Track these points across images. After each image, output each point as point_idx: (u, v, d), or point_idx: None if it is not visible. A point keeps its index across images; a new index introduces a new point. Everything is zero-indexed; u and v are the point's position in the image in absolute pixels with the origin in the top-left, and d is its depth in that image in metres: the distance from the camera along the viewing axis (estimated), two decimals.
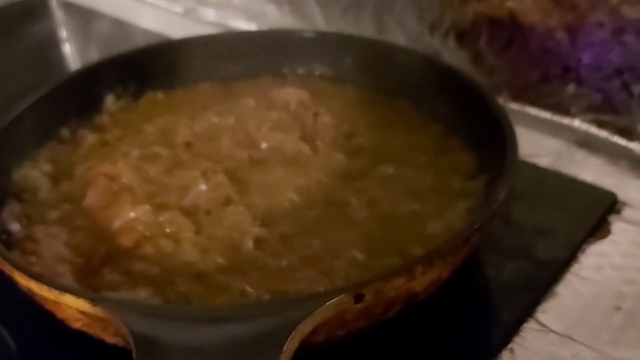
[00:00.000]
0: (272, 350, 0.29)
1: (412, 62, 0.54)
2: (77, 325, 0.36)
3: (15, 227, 0.44)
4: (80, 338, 0.38)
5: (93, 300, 0.33)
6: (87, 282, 0.39)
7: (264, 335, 0.30)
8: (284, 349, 0.29)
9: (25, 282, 0.35)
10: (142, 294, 0.38)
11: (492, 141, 0.45)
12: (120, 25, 0.79)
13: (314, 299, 0.32)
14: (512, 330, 0.41)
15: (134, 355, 0.29)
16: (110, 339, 0.36)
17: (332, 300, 0.32)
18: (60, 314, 0.36)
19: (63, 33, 0.83)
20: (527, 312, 0.42)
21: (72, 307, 0.34)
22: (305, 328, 0.31)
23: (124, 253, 0.41)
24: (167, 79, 0.57)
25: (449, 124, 0.51)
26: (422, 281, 0.35)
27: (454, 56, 0.61)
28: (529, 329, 0.41)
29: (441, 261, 0.36)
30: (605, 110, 0.56)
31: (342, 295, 0.32)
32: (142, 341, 0.30)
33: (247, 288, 0.38)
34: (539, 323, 0.42)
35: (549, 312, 0.42)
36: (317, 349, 0.35)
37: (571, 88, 0.57)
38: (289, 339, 0.29)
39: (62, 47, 0.83)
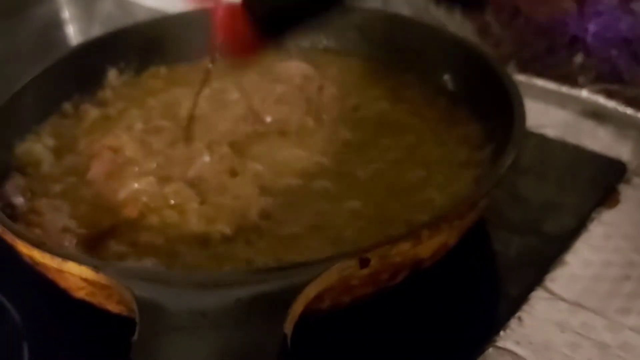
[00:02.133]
0: (277, 312, 0.28)
1: (418, 33, 0.54)
2: (80, 294, 0.36)
3: (19, 200, 0.43)
4: (83, 308, 0.37)
5: (96, 267, 0.32)
6: (92, 253, 0.39)
7: (269, 298, 0.29)
8: (289, 311, 0.28)
9: (28, 250, 0.35)
10: (148, 264, 0.38)
11: (500, 111, 0.45)
12: (123, 5, 0.79)
13: (319, 263, 0.32)
14: (521, 298, 0.41)
15: (137, 319, 0.29)
16: (113, 307, 0.35)
17: (337, 264, 0.32)
18: (63, 283, 0.36)
19: (66, 13, 0.83)
20: (535, 280, 0.42)
21: (75, 274, 0.33)
22: (310, 292, 0.31)
23: (129, 224, 0.41)
24: (170, 53, 0.57)
25: (456, 95, 0.51)
26: (428, 246, 0.35)
27: (459, 28, 0.60)
28: (537, 298, 0.41)
29: (447, 226, 0.35)
30: (614, 80, 0.55)
31: (347, 259, 0.32)
32: (145, 306, 0.29)
33: (253, 257, 0.38)
34: (548, 291, 0.41)
35: (558, 281, 0.42)
36: (323, 315, 0.35)
37: (579, 58, 0.57)
38: (294, 302, 0.29)
39: (65, 28, 0.83)
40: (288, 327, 0.28)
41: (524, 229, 0.46)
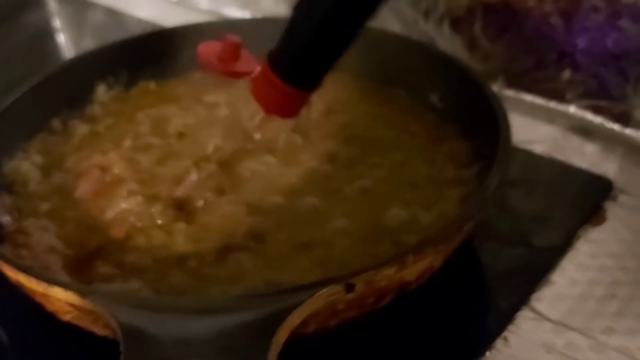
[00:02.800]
0: (261, 341, 0.28)
1: (406, 49, 0.54)
2: (67, 317, 0.36)
3: (6, 220, 0.43)
4: (72, 330, 0.37)
5: (81, 293, 0.32)
6: (79, 274, 0.39)
7: (253, 326, 0.29)
8: (273, 339, 0.28)
9: (14, 274, 0.35)
10: (135, 286, 0.38)
11: (486, 129, 0.45)
12: (114, 15, 0.79)
13: (303, 289, 0.32)
14: (507, 318, 0.41)
15: (121, 347, 0.29)
16: (100, 331, 0.35)
17: (322, 291, 0.32)
18: (49, 307, 0.36)
19: (57, 23, 0.83)
20: (521, 300, 0.42)
21: (61, 299, 0.34)
22: (295, 319, 0.31)
23: (116, 245, 0.41)
24: (160, 68, 0.57)
25: (444, 112, 0.51)
26: (413, 270, 0.35)
27: (448, 43, 0.60)
28: (523, 317, 0.41)
29: (433, 250, 0.35)
30: (601, 96, 0.56)
31: (333, 286, 0.32)
32: (130, 333, 0.29)
33: (241, 278, 0.38)
34: (534, 311, 0.41)
35: (544, 300, 0.42)
36: (309, 340, 0.35)
37: (567, 74, 0.57)
38: (279, 330, 0.29)
39: (57, 37, 0.83)
40: (272, 356, 0.28)
41: (511, 242, 0.46)
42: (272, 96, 0.39)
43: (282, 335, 0.29)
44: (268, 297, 0.32)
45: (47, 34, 0.82)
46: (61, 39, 0.82)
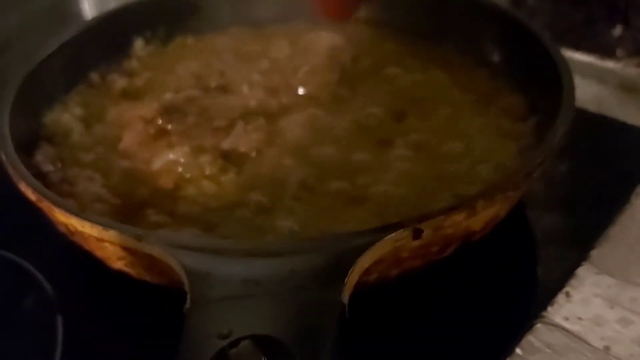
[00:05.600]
0: (334, 283, 0.27)
1: (454, 2, 0.52)
2: (118, 264, 0.35)
3: (50, 169, 0.42)
4: (117, 280, 0.36)
5: (139, 236, 0.31)
6: (129, 223, 0.38)
7: (325, 268, 0.28)
8: (346, 280, 0.27)
9: (65, 218, 0.33)
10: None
11: (543, 81, 0.43)
12: None
13: (373, 232, 0.30)
14: (567, 274, 0.39)
15: (187, 288, 0.28)
16: (153, 278, 0.34)
17: (391, 234, 0.30)
18: (100, 253, 0.35)
19: None
20: (582, 256, 0.40)
21: (115, 244, 0.32)
22: (364, 262, 0.29)
23: (165, 195, 0.40)
24: (197, 23, 0.55)
25: (496, 66, 0.49)
26: (481, 218, 0.34)
27: None
28: (584, 273, 0.40)
29: (502, 197, 0.34)
30: None
31: (401, 230, 0.31)
32: (196, 275, 0.28)
33: (295, 227, 0.37)
34: (595, 266, 0.40)
35: (605, 255, 0.41)
36: (369, 290, 0.34)
37: (617, 30, 0.55)
38: (350, 271, 0.28)
39: (80, 2, 0.81)
40: (345, 297, 0.27)
41: (566, 204, 0.44)
42: None
43: (353, 277, 0.28)
44: (338, 239, 0.30)
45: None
46: (85, 4, 0.80)
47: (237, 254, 0.29)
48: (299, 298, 0.26)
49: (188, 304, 0.27)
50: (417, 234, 0.31)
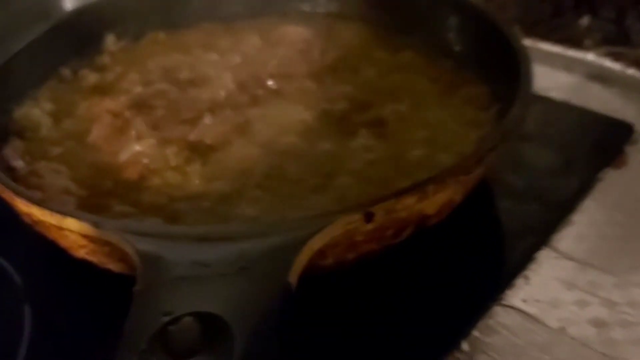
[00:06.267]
0: (280, 264, 0.28)
1: None
2: (80, 253, 0.35)
3: (18, 163, 0.43)
4: (84, 269, 0.37)
5: (96, 223, 0.32)
6: (93, 213, 0.38)
7: (273, 250, 0.29)
8: (294, 261, 0.28)
9: (27, 208, 0.34)
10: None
11: (506, 71, 0.44)
12: None
13: (323, 216, 0.31)
14: (527, 258, 0.40)
15: (138, 271, 0.28)
16: (114, 266, 0.35)
17: (342, 218, 0.31)
18: (63, 242, 0.35)
19: None
20: (542, 240, 0.41)
21: (74, 231, 0.33)
22: (314, 244, 0.30)
23: (131, 186, 0.41)
24: (168, 19, 0.56)
25: (460, 58, 0.50)
26: (433, 202, 0.34)
27: None
28: (544, 257, 0.40)
29: (453, 180, 0.34)
30: (620, 42, 0.55)
31: (352, 213, 0.31)
32: (147, 258, 0.29)
33: (257, 215, 0.37)
34: (555, 250, 0.41)
35: (565, 240, 0.41)
36: (327, 274, 0.34)
37: (585, 20, 0.56)
38: (299, 253, 0.29)
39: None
40: (292, 277, 0.28)
41: (529, 191, 0.45)
42: None
43: (302, 259, 0.29)
44: (288, 223, 0.31)
45: None
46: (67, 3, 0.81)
47: (187, 239, 0.29)
48: (244, 278, 0.27)
49: (138, 286, 0.27)
50: (368, 217, 0.32)
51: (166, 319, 0.25)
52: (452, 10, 0.51)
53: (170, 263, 0.28)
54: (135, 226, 0.32)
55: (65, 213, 0.33)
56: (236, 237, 0.30)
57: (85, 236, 0.33)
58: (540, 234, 0.42)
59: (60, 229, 0.34)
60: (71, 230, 0.33)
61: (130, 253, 0.30)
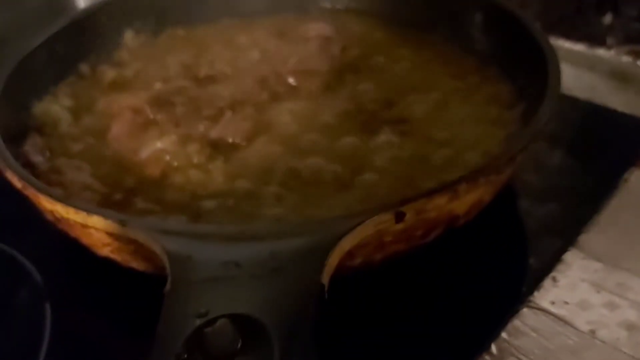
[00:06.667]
0: (313, 264, 0.27)
1: None
2: (104, 251, 0.35)
3: (38, 159, 0.42)
4: (104, 267, 0.37)
5: (122, 221, 0.31)
6: (116, 211, 0.38)
7: (306, 250, 0.28)
8: (326, 262, 0.27)
9: (51, 205, 0.33)
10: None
11: (531, 69, 0.43)
12: None
13: (354, 216, 0.31)
14: (554, 259, 0.40)
15: (168, 271, 0.28)
16: (138, 264, 0.34)
17: (373, 218, 0.30)
18: (86, 240, 0.35)
19: None
20: (569, 241, 0.41)
21: (100, 229, 0.32)
22: (346, 244, 0.29)
23: (153, 183, 0.40)
24: (187, 15, 0.56)
25: (485, 55, 0.49)
26: (464, 202, 0.34)
27: None
28: (572, 258, 0.40)
29: (485, 180, 0.34)
30: None
31: (384, 213, 0.31)
32: (177, 259, 0.28)
33: (281, 214, 0.37)
34: (583, 251, 0.40)
35: (592, 241, 0.41)
36: (354, 273, 0.34)
37: (607, 18, 0.55)
38: (330, 254, 0.28)
39: None
40: (325, 278, 0.27)
41: (552, 191, 0.45)
42: None
43: (333, 260, 0.28)
44: (319, 224, 0.30)
45: None
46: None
47: (217, 238, 0.29)
48: (278, 279, 0.26)
49: (168, 286, 0.27)
50: (399, 217, 0.31)
51: (201, 321, 0.24)
52: (475, 6, 0.50)
53: (200, 263, 0.28)
54: (163, 225, 0.31)
55: (90, 211, 0.32)
56: (267, 237, 0.29)
57: (110, 234, 0.32)
58: (566, 235, 0.41)
59: (85, 226, 0.33)
60: (96, 228, 0.33)
61: (158, 252, 0.30)
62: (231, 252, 0.28)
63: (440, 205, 0.33)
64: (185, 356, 0.23)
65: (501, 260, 0.40)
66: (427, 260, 0.37)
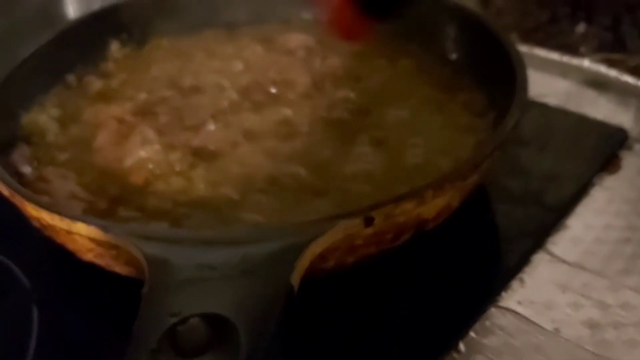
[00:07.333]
0: (283, 267, 0.29)
1: (421, 3, 0.54)
2: (88, 256, 0.36)
3: (26, 169, 0.44)
4: (91, 272, 0.38)
5: (104, 227, 0.33)
6: (100, 218, 0.39)
7: (276, 254, 0.30)
8: (296, 265, 0.29)
9: (36, 212, 0.35)
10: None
11: (502, 79, 0.45)
12: None
13: (324, 221, 0.32)
14: (522, 261, 0.41)
15: (146, 274, 0.29)
16: (121, 269, 0.36)
17: (342, 223, 0.32)
18: (71, 245, 0.36)
19: None
20: (537, 244, 0.42)
21: (83, 235, 0.34)
22: (316, 248, 0.31)
23: (136, 191, 0.42)
24: (172, 26, 0.57)
25: (458, 65, 0.51)
26: (432, 207, 0.35)
27: None
28: (539, 259, 0.41)
29: (450, 186, 0.35)
30: (616, 49, 0.56)
31: (353, 218, 0.32)
32: (154, 262, 0.30)
33: (261, 220, 0.38)
34: (550, 254, 0.42)
35: (559, 244, 0.42)
36: (327, 276, 0.36)
37: (581, 27, 0.57)
38: (301, 257, 0.30)
39: (64, 3, 0.82)
40: (295, 280, 0.29)
41: (526, 195, 0.46)
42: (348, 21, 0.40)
43: (304, 262, 0.30)
44: (290, 228, 0.32)
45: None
46: (69, 6, 0.82)
47: (193, 242, 0.31)
48: (248, 280, 0.28)
49: (146, 288, 0.28)
50: (368, 222, 0.33)
51: (174, 319, 0.26)
52: (450, 17, 0.52)
53: (177, 266, 0.29)
54: (142, 230, 0.33)
55: (74, 218, 0.34)
56: (240, 241, 0.31)
57: (93, 240, 0.34)
58: (536, 237, 0.43)
59: (69, 233, 0.35)
60: (80, 234, 0.34)
61: (138, 256, 0.31)
62: (206, 255, 0.30)
63: (408, 210, 0.34)
64: (159, 352, 0.25)
65: (473, 261, 0.42)
66: (399, 262, 0.39)
